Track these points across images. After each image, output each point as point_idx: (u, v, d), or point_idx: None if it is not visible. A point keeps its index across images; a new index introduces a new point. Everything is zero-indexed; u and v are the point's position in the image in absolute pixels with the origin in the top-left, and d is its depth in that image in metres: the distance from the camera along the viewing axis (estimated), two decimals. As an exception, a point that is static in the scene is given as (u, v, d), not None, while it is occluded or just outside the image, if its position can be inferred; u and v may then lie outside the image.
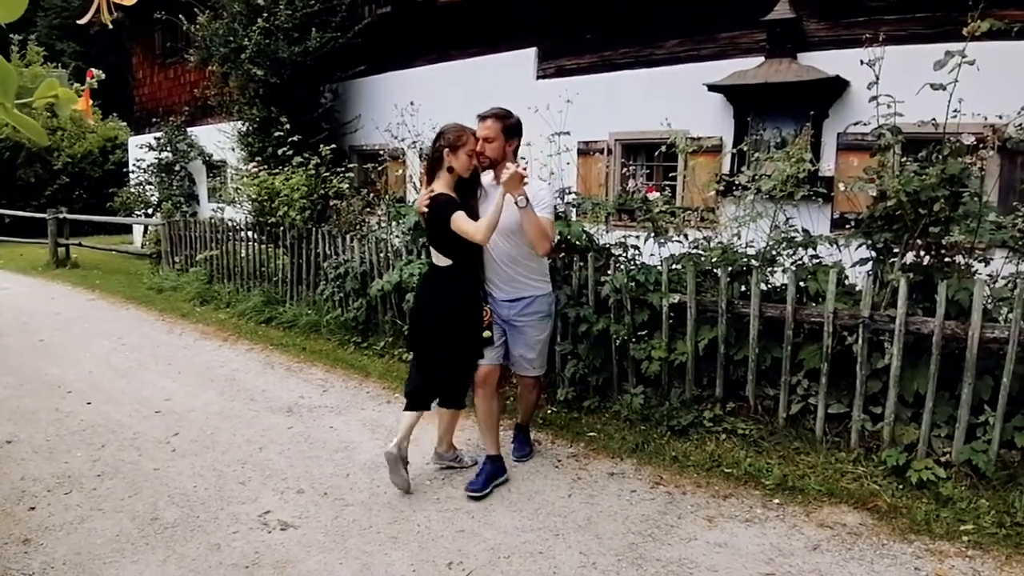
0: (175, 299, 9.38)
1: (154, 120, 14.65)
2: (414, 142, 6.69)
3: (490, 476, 3.94)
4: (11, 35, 23.76)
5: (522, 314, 3.92)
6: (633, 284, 4.71)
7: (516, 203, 3.56)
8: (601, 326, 4.87)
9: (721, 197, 5.13)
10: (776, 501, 3.79)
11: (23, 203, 17.94)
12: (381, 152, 8.56)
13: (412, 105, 6.97)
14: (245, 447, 4.59)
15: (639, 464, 4.26)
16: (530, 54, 8.93)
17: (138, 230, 15.08)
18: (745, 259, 4.64)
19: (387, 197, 7.37)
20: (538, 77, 8.91)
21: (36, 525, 3.57)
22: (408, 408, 3.98)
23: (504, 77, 8.93)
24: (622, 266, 4.86)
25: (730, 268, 4.52)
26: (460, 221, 3.63)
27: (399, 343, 6.38)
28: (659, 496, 3.87)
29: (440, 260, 3.87)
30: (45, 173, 19.07)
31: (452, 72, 9.54)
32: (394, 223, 6.41)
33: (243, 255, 8.96)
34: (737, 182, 4.90)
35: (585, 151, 8.34)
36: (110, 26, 1.32)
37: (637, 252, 5.18)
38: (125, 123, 19.71)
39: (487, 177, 3.92)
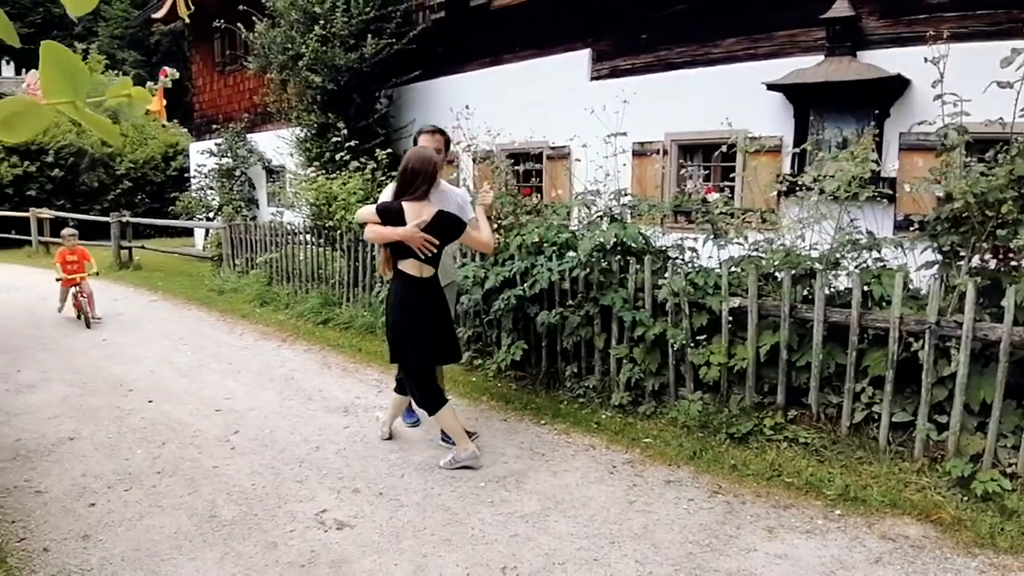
0: (236, 300, 9.59)
1: (214, 126, 15.03)
2: (468, 145, 6.70)
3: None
4: (75, 43, 24.76)
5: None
6: (691, 287, 4.61)
7: (488, 216, 4.38)
8: (658, 330, 4.78)
9: (784, 198, 4.99)
10: (838, 512, 3.66)
11: (87, 207, 18.59)
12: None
13: (467, 109, 6.98)
14: (302, 446, 4.64)
15: (697, 472, 4.16)
16: (584, 56, 8.87)
17: (199, 233, 15.48)
18: (809, 262, 4.51)
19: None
20: (592, 78, 8.84)
21: (95, 521, 3.66)
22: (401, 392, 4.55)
23: (557, 79, 8.89)
24: (680, 269, 4.76)
25: (793, 271, 4.39)
26: (474, 234, 4.16)
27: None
28: (718, 505, 3.77)
29: (424, 271, 4.08)
30: (108, 178, 19.71)
31: (505, 75, 9.55)
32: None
33: (301, 258, 9.11)
34: (800, 182, 4.76)
35: (640, 152, 8.23)
36: (186, 20, 1.32)
37: (695, 255, 5.08)
38: (185, 129, 20.29)
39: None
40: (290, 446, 4.64)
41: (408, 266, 4.06)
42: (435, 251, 4.01)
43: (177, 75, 1.26)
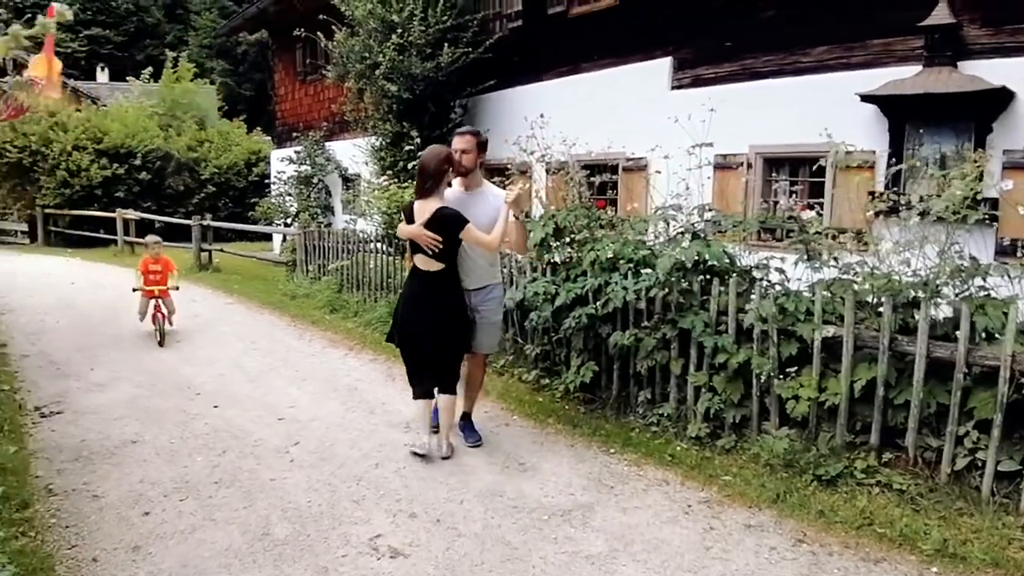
0: (307, 306, 9.63)
1: (294, 134, 15.30)
2: (543, 155, 6.48)
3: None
4: (166, 51, 25.76)
5: (487, 299, 4.63)
6: (780, 313, 4.25)
7: (515, 216, 4.38)
8: (742, 358, 4.44)
9: (884, 217, 4.59)
10: (934, 569, 3.27)
11: (172, 209, 19.22)
12: (509, 167, 8.44)
13: (542, 118, 6.78)
14: (362, 462, 4.48)
15: (780, 516, 3.79)
16: (665, 64, 8.56)
17: (277, 238, 15.77)
18: (910, 289, 4.10)
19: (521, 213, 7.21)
20: (673, 87, 8.53)
21: (148, 532, 3.57)
22: (420, 398, 4.55)
23: (637, 88, 8.62)
24: (768, 292, 4.40)
25: (894, 299, 3.99)
26: (474, 232, 4.24)
27: (520, 362, 6.17)
28: (802, 556, 3.41)
29: (431, 265, 4.33)
30: (193, 182, 20.36)
31: (582, 85, 9.32)
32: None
33: (372, 266, 9.07)
34: (901, 201, 4.36)
35: (723, 165, 7.86)
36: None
37: (783, 276, 4.71)
38: (269, 137, 20.82)
39: (454, 187, 4.59)
40: (349, 462, 4.50)
41: (419, 261, 4.39)
42: (440, 247, 4.23)
43: (69, 15, 1.05)
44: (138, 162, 19.06)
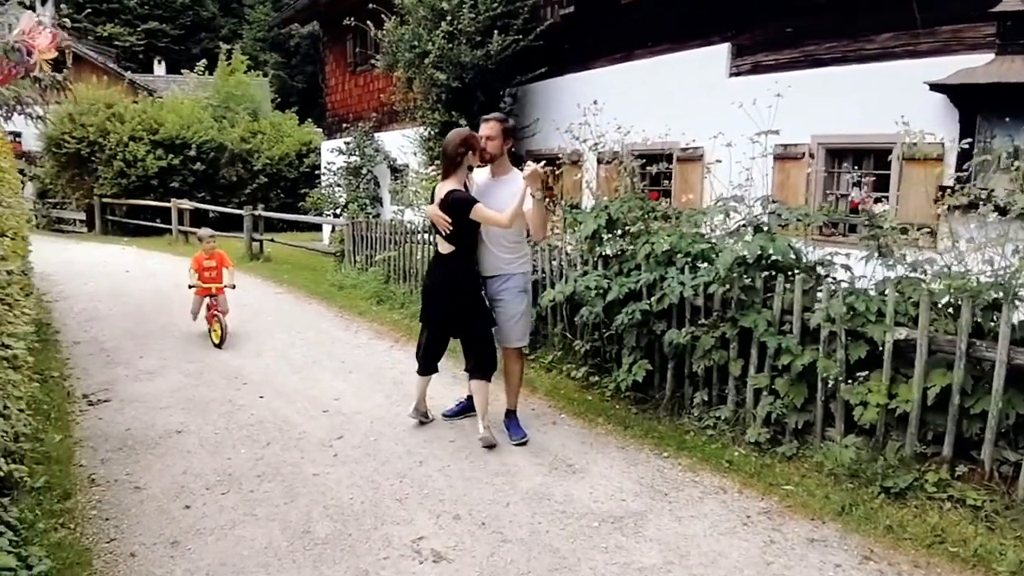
0: (354, 297, 9.60)
1: (344, 125, 15.33)
2: (596, 143, 6.27)
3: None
4: (220, 44, 26.13)
5: (502, 289, 4.58)
6: (849, 313, 3.99)
7: (532, 195, 4.23)
8: (807, 360, 4.18)
9: (961, 213, 4.27)
10: (1012, 593, 3.00)
11: (226, 199, 19.53)
12: (560, 156, 8.26)
13: (595, 104, 6.56)
14: (405, 459, 4.38)
15: (845, 530, 3.55)
16: (723, 50, 8.24)
17: (326, 228, 15.85)
18: (989, 290, 3.79)
19: (563, 203, 7.01)
20: (731, 75, 8.21)
21: (188, 526, 3.51)
22: (423, 373, 4.83)
23: (692, 75, 8.32)
24: (837, 291, 4.13)
25: (974, 301, 3.70)
26: (484, 210, 4.29)
27: (569, 358, 5.98)
28: (869, 574, 3.18)
29: (445, 247, 4.47)
30: (246, 172, 20.64)
31: (636, 72, 9.05)
32: (569, 231, 6.02)
33: (418, 257, 8.99)
34: (980, 197, 4.04)
35: (783, 156, 7.53)
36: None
37: (850, 273, 4.44)
38: (319, 128, 20.97)
39: (481, 175, 4.63)
40: (393, 458, 4.39)
41: (439, 243, 4.57)
42: (451, 229, 4.34)
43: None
44: (193, 153, 19.39)
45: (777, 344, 4.27)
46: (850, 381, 4.03)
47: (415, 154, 11.18)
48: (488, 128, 4.52)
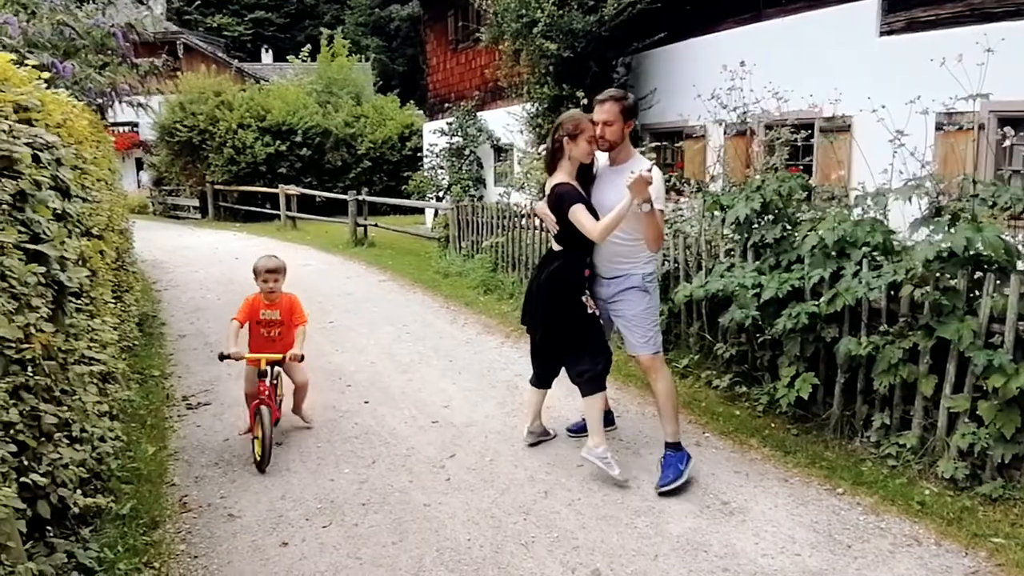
0: (460, 285, 9.11)
1: (446, 105, 14.90)
2: (744, 112, 5.41)
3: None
4: (322, 30, 26.27)
5: (620, 290, 3.90)
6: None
7: (640, 208, 3.50)
8: (1022, 381, 3.29)
9: None
10: None
11: (331, 184, 19.61)
12: (683, 130, 7.41)
13: (742, 66, 5.67)
14: (528, 487, 3.77)
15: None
16: (871, 5, 7.14)
17: (429, 212, 15.52)
18: None
19: (697, 183, 6.19)
20: (881, 33, 7.12)
21: (283, 570, 3.03)
22: (536, 385, 4.25)
23: (835, 34, 7.28)
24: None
25: None
26: (579, 214, 3.68)
27: (708, 363, 5.21)
28: None
29: (556, 245, 3.97)
30: (350, 157, 20.66)
31: (768, 33, 8.04)
32: (709, 215, 5.21)
33: (527, 243, 8.37)
34: None
35: (944, 125, 6.42)
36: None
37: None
38: (421, 111, 20.69)
39: (602, 159, 3.96)
40: (513, 485, 3.79)
41: (551, 238, 4.06)
42: (557, 226, 3.83)
43: None
44: (299, 139, 19.53)
45: (987, 360, 3.38)
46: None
47: (521, 132, 10.54)
48: (603, 112, 3.75)
